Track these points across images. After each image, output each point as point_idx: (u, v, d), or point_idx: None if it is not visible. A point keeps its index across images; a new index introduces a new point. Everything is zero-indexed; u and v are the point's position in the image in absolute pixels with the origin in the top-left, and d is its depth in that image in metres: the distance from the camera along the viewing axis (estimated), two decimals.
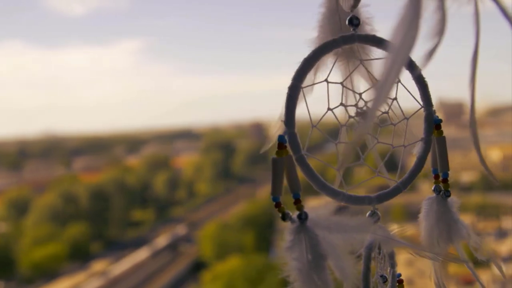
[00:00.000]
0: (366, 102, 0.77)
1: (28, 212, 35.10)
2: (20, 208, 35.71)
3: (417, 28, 0.55)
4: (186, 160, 51.56)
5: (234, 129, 68.51)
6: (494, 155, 41.69)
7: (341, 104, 0.77)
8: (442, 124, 0.77)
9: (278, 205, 0.70)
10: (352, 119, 0.77)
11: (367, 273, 0.78)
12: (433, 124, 0.77)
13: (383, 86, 0.55)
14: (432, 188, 0.80)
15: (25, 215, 34.88)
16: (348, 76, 0.80)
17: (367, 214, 0.76)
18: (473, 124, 0.74)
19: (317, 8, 0.82)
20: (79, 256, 31.69)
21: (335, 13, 0.81)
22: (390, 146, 0.80)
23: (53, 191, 37.21)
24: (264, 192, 38.49)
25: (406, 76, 0.76)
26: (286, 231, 0.70)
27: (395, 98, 0.77)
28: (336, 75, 0.78)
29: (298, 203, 0.70)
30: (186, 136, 68.94)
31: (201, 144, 54.16)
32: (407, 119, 0.78)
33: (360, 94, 0.78)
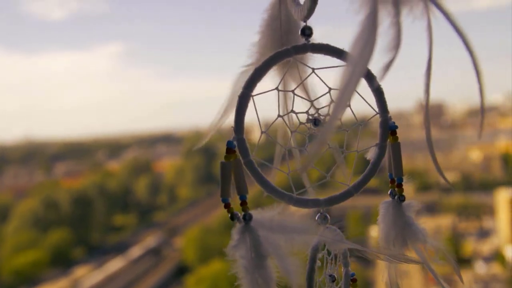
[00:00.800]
0: (317, 109, 0.79)
1: (9, 218, 34.86)
2: (0, 215, 35.46)
3: (374, 43, 0.57)
4: (167, 164, 51.44)
5: (216, 132, 68.26)
6: (474, 155, 42.00)
7: (292, 111, 0.80)
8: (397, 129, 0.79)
9: (227, 206, 0.73)
10: (303, 125, 0.79)
11: (311, 273, 0.81)
12: (388, 130, 0.77)
13: (342, 96, 0.57)
14: (388, 192, 0.81)
15: (5, 221, 34.63)
16: (300, 84, 0.82)
17: (316, 216, 0.77)
18: (428, 133, 0.75)
19: (261, 13, 0.84)
20: (61, 262, 31.49)
21: (277, 20, 0.82)
22: (343, 151, 0.82)
23: (34, 197, 37.00)
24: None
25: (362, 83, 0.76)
26: (233, 231, 0.72)
27: (349, 105, 0.76)
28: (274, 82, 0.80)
29: (244, 204, 0.73)
30: (167, 140, 68.80)
31: (182, 148, 54.13)
32: (361, 125, 0.80)
33: (312, 102, 0.79)
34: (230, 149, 0.74)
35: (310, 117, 0.78)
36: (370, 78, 0.76)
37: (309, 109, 0.79)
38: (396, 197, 0.80)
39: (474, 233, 31.11)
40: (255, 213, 0.73)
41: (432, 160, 0.79)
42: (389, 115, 0.77)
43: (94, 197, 38.36)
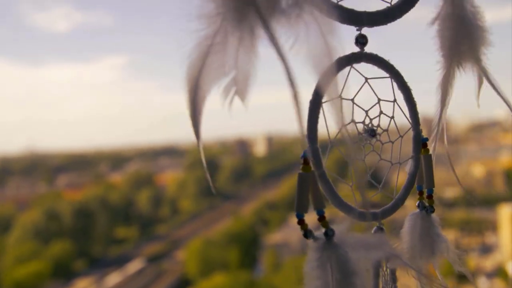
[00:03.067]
0: (371, 119, 0.78)
1: (11, 229, 34.80)
2: (2, 226, 35.41)
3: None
4: (170, 177, 51.36)
5: (218, 145, 68.54)
6: (477, 170, 41.92)
7: (352, 121, 0.77)
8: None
9: (301, 222, 0.68)
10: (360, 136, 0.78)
11: None
12: (420, 143, 0.78)
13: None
14: (416, 204, 0.81)
15: (7, 232, 34.57)
16: (357, 93, 0.79)
17: (373, 230, 0.76)
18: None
19: None
20: (62, 274, 31.40)
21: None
22: (388, 163, 0.80)
23: (36, 208, 36.94)
24: (248, 208, 38.42)
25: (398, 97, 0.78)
26: (310, 249, 0.67)
27: (393, 117, 0.78)
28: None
29: (322, 220, 0.69)
30: (169, 152, 68.74)
31: (185, 161, 54.06)
32: (401, 137, 0.80)
33: (367, 111, 0.78)
34: (307, 160, 0.69)
35: (366, 128, 0.77)
36: (407, 89, 0.77)
37: (364, 119, 0.77)
38: (425, 209, 0.80)
39: (477, 249, 30.98)
40: (335, 229, 0.69)
41: (452, 172, 0.80)
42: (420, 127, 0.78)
43: (96, 209, 38.31)
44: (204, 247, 28.88)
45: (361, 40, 0.75)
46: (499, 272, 27.13)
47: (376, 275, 0.77)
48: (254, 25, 0.58)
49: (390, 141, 0.79)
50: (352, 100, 0.77)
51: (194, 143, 0.71)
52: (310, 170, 0.69)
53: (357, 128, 0.77)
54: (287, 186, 40.49)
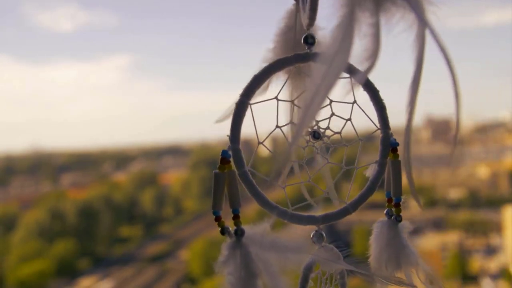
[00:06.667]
0: (317, 122, 0.76)
1: (15, 228, 34.85)
2: (6, 225, 35.45)
3: (349, 44, 0.56)
4: (174, 176, 51.38)
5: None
6: (481, 172, 41.86)
7: (291, 122, 0.77)
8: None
9: (218, 219, 0.71)
10: (302, 138, 0.76)
11: None
12: (389, 147, 0.75)
13: (312, 101, 0.56)
14: (385, 212, 0.78)
15: (12, 231, 34.63)
16: (300, 95, 0.79)
17: (312, 234, 0.75)
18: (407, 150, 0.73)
19: (277, 22, 0.82)
20: (66, 273, 31.43)
21: (291, 30, 0.81)
22: (342, 167, 0.79)
23: (40, 207, 36.98)
24: (252, 208, 38.41)
25: (365, 98, 0.75)
26: (223, 246, 0.70)
27: (350, 119, 0.76)
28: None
29: (236, 218, 0.71)
30: (173, 152, 68.77)
31: (189, 161, 54.05)
32: (362, 140, 0.77)
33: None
34: (224, 159, 0.72)
35: (310, 130, 0.76)
36: (373, 90, 0.74)
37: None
38: (393, 217, 0.77)
39: (481, 250, 30.92)
40: (248, 228, 0.70)
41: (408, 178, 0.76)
42: (390, 131, 0.75)
43: (100, 209, 38.34)
44: (208, 247, 28.88)
45: (310, 41, 0.74)
46: (503, 273, 27.08)
47: (304, 280, 0.77)
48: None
49: (344, 144, 0.77)
50: (292, 101, 0.78)
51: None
52: (226, 169, 0.71)
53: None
54: (292, 186, 40.17)
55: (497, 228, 32.09)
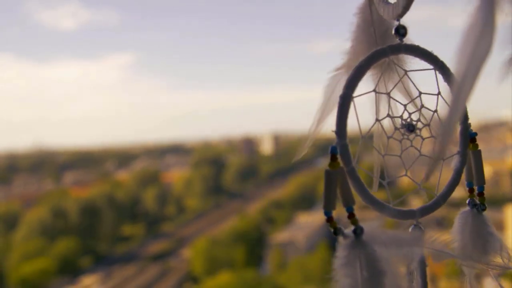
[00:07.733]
0: (410, 114, 0.75)
1: (17, 226, 34.89)
2: (9, 223, 35.51)
3: (491, 36, 0.47)
4: (176, 175, 51.39)
5: (225, 144, 68.41)
6: (484, 171, 41.73)
7: (388, 115, 0.75)
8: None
9: (330, 219, 0.66)
10: (397, 131, 0.74)
11: None
12: (468, 138, 0.76)
13: (458, 102, 0.50)
14: (467, 202, 0.79)
15: (14, 229, 34.67)
16: (395, 87, 0.77)
17: (410, 228, 0.74)
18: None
19: (352, 17, 0.80)
20: (69, 271, 31.45)
21: (370, 23, 0.79)
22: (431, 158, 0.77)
23: (42, 206, 37.03)
24: (254, 207, 38.37)
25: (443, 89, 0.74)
26: (339, 247, 0.65)
27: (436, 111, 0.75)
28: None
29: (352, 217, 0.67)
30: (176, 151, 68.79)
31: (191, 159, 54.04)
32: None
33: (405, 106, 0.75)
34: (334, 156, 0.67)
35: (404, 122, 0.74)
36: (450, 82, 0.73)
37: (402, 113, 0.74)
38: (477, 206, 0.78)
39: None
40: (364, 226, 0.67)
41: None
42: (469, 121, 0.76)
43: (102, 207, 38.38)
44: (210, 245, 28.89)
45: (402, 31, 0.73)
46: (505, 272, 27.06)
47: (424, 273, 0.76)
48: None
49: (433, 136, 0.76)
50: (388, 94, 0.75)
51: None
52: (337, 166, 0.67)
53: (394, 123, 0.74)
54: (293, 185, 40.46)
55: (499, 227, 32.06)
